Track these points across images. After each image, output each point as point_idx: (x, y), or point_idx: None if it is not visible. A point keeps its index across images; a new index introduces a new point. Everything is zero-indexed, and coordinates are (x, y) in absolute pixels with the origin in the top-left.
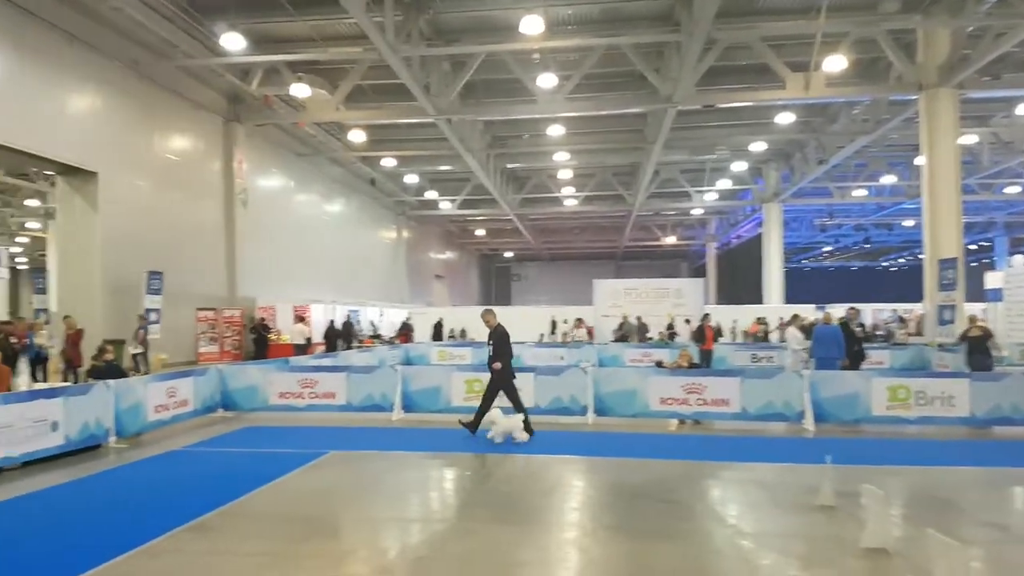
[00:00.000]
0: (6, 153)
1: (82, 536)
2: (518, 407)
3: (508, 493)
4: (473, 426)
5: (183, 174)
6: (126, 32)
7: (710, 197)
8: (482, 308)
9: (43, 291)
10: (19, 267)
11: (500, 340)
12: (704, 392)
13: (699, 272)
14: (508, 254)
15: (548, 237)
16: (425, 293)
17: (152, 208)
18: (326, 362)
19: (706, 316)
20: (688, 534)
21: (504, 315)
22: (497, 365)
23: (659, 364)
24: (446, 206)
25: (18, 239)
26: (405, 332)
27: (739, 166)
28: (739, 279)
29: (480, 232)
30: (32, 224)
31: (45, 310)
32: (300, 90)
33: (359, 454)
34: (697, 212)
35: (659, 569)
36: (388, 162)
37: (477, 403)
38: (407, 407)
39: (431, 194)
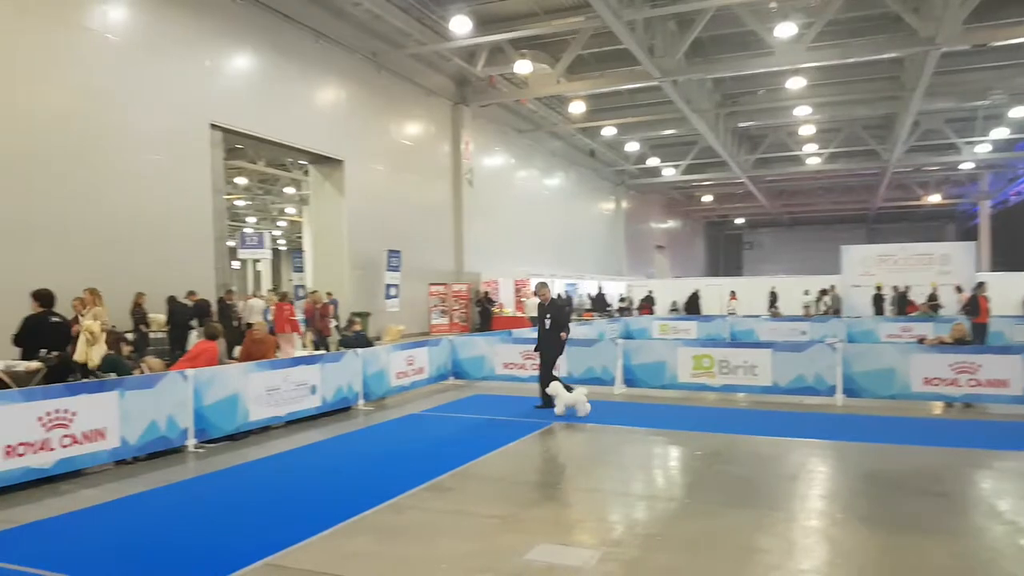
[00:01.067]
0: (268, 146)
1: (337, 489)
2: (547, 380)
3: (743, 476)
4: (545, 402)
5: (416, 158)
6: (364, 25)
7: (982, 149)
8: (708, 280)
9: (300, 269)
10: (279, 248)
11: (559, 311)
12: (978, 372)
13: (969, 235)
14: (739, 220)
15: (786, 200)
16: (644, 264)
17: (389, 191)
18: None
19: (980, 285)
20: (957, 530)
21: (735, 287)
22: (564, 334)
23: (920, 341)
24: (669, 173)
25: (278, 223)
26: (647, 305)
27: (1018, 112)
28: (1020, 242)
29: (707, 198)
30: (289, 209)
31: (303, 286)
32: (523, 67)
33: (582, 426)
34: (967, 166)
35: (923, 567)
36: (608, 131)
37: (706, 380)
38: (629, 381)
39: (653, 161)
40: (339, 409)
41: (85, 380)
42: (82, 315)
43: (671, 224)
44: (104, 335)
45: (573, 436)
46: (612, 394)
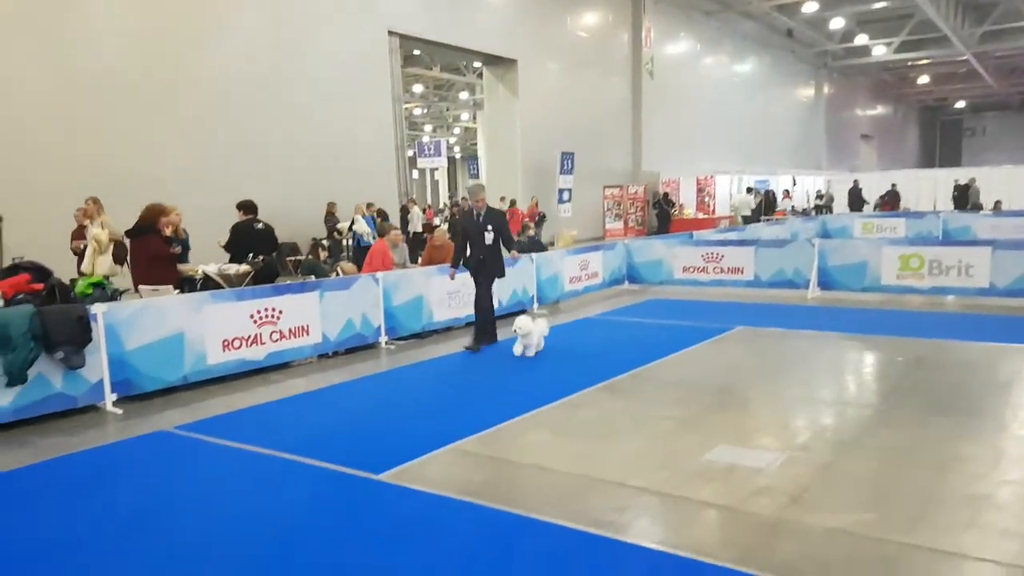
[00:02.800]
0: (443, 50)
1: (514, 386)
2: (486, 312)
3: (949, 383)
4: (475, 344)
5: (591, 52)
6: None
7: None
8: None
9: (476, 175)
10: (455, 156)
11: (501, 221)
12: None
13: None
14: (959, 104)
15: (1018, 79)
16: (848, 156)
17: (563, 90)
18: (732, 236)
19: None
20: None
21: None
22: (515, 253)
23: None
24: (879, 51)
25: (454, 131)
26: (891, 199)
27: None
28: None
29: (923, 79)
30: (464, 116)
31: None
32: None
33: (769, 331)
34: None
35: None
36: (809, 7)
37: (913, 281)
38: (824, 284)
39: (861, 39)
40: (515, 312)
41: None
42: (86, 225)
43: (879, 111)
44: (112, 244)
45: (758, 341)
46: (805, 298)
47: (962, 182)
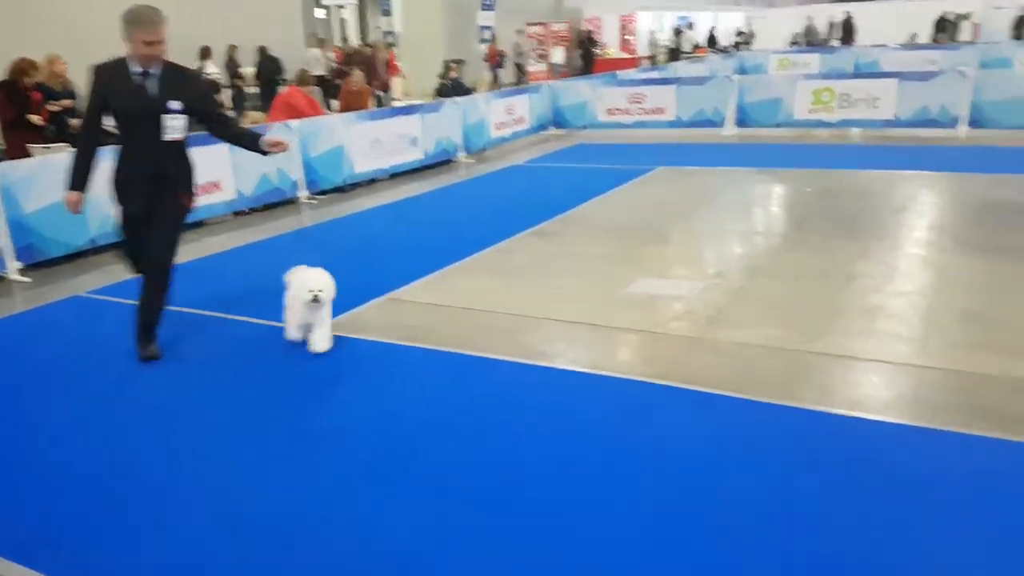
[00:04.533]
0: None
1: (445, 236)
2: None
3: (852, 209)
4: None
5: None
6: None
7: None
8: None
9: (388, 13)
10: None
11: (202, 96)
12: None
13: None
14: None
15: None
16: None
17: None
18: (654, 75)
19: None
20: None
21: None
22: (273, 141)
23: None
24: None
25: None
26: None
27: None
28: None
29: None
30: None
31: (392, 32)
32: None
33: (689, 169)
34: None
35: (1020, 289)
36: None
37: (823, 115)
38: (741, 121)
39: None
40: (440, 162)
41: None
42: None
43: None
44: None
45: (679, 180)
46: (722, 136)
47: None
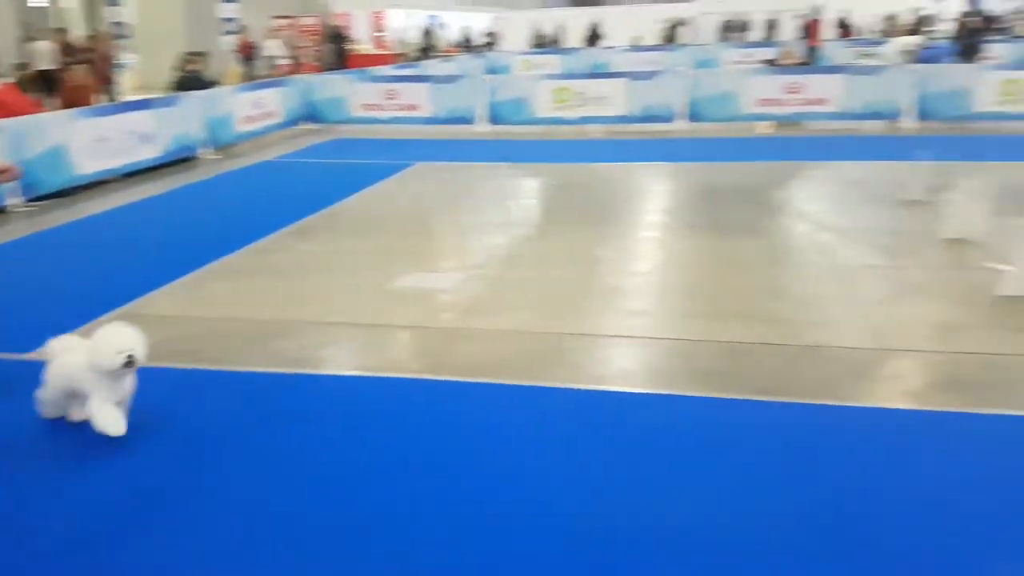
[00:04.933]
0: None
1: (191, 239)
2: None
3: (592, 199)
4: None
5: None
6: None
7: None
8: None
9: (116, 3)
10: None
11: None
12: (804, 92)
13: None
14: None
15: None
16: None
17: None
18: (407, 72)
19: (815, 9)
20: (772, 230)
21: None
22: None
23: (772, 63)
24: None
25: None
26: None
27: None
28: None
29: None
30: None
31: (120, 23)
32: None
33: (445, 165)
34: None
35: (737, 260)
36: None
37: (565, 113)
38: (491, 119)
39: None
40: (182, 159)
41: None
42: None
43: None
44: None
45: (437, 175)
46: (475, 132)
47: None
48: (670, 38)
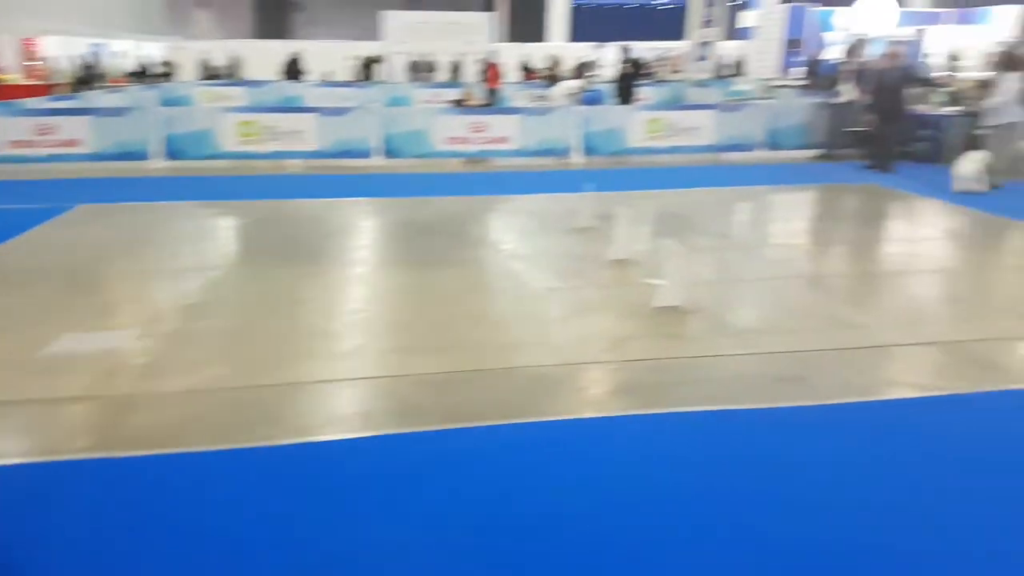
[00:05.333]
0: None
1: None
2: None
3: (291, 237)
4: None
5: None
6: None
7: None
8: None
9: None
10: None
11: None
12: (487, 131)
13: (490, 6)
14: None
15: None
16: (185, 24)
17: None
18: (65, 105)
19: (492, 53)
20: (467, 261)
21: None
22: None
23: (459, 103)
24: None
25: None
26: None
27: None
28: (527, 15)
29: None
30: None
31: None
32: None
33: (117, 206)
34: None
35: (439, 291)
36: None
37: (253, 148)
38: (171, 154)
39: None
40: None
41: None
42: None
43: None
44: None
45: (105, 218)
46: (149, 169)
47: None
48: (365, 75)
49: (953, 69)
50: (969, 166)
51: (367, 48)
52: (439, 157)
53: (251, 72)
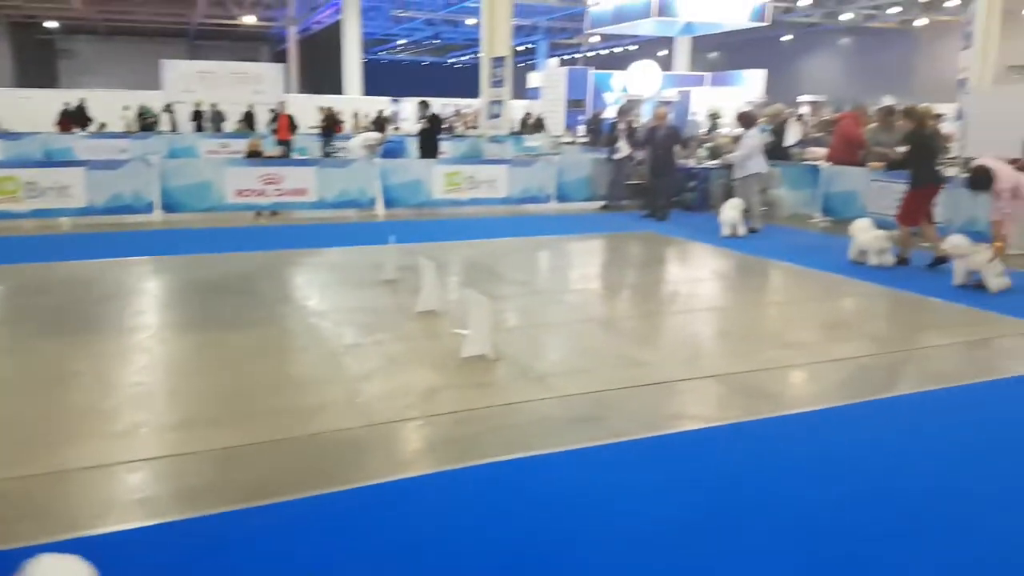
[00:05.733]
0: None
1: None
2: None
3: (59, 304)
4: None
5: None
6: None
7: None
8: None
9: None
10: None
11: None
12: (282, 182)
13: (280, 57)
14: (51, 24)
15: (103, 5)
16: None
17: None
18: None
19: (281, 104)
20: (263, 320)
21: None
22: None
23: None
24: None
25: None
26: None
27: None
28: (321, 68)
29: None
30: None
31: None
32: None
33: None
34: None
35: (232, 356)
36: None
37: (10, 206)
38: None
39: None
40: None
41: None
42: None
43: None
44: None
45: None
46: None
47: (73, 104)
48: (142, 125)
49: (714, 127)
50: (731, 212)
51: (147, 98)
52: (229, 211)
53: (11, 124)
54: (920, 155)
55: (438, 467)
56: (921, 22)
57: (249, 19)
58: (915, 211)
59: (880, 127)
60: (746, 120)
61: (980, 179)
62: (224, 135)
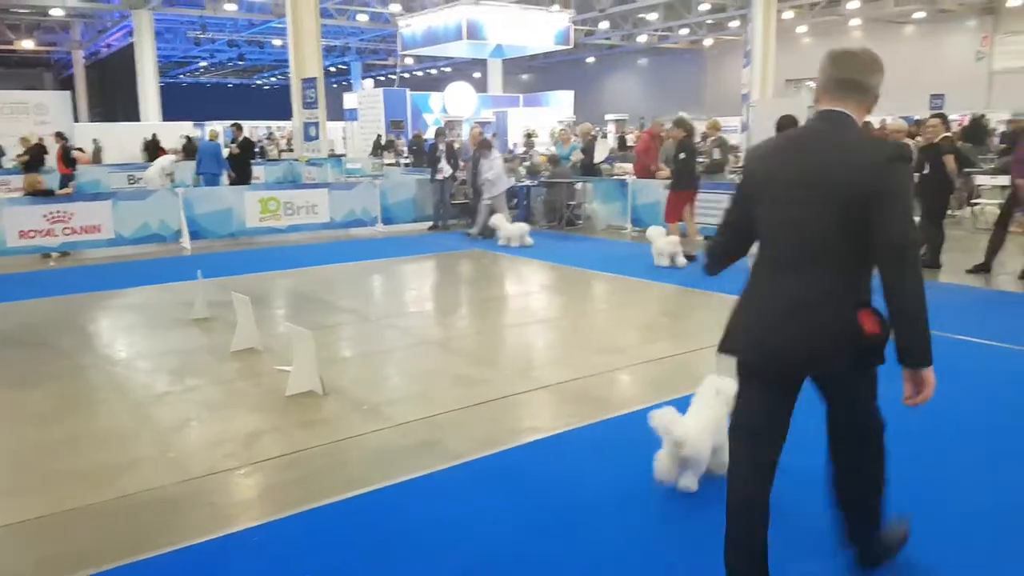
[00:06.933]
0: None
1: None
2: None
3: None
4: None
5: None
6: None
7: None
8: None
9: None
10: None
11: None
12: (72, 220)
13: (66, 84)
14: None
15: None
16: None
17: None
18: None
19: (59, 134)
20: (59, 374)
21: None
22: None
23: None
24: None
25: None
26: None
27: None
28: (114, 94)
29: None
30: None
31: None
32: None
33: None
34: (57, 13)
35: (22, 416)
36: None
37: None
38: None
39: None
40: None
41: None
42: None
43: None
44: None
45: None
46: None
47: None
48: None
49: (530, 145)
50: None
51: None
52: (12, 255)
53: None
54: (688, 160)
55: (266, 518)
56: (708, 42)
57: (27, 44)
58: (678, 210)
59: (673, 141)
60: (485, 145)
61: None
62: (3, 171)
